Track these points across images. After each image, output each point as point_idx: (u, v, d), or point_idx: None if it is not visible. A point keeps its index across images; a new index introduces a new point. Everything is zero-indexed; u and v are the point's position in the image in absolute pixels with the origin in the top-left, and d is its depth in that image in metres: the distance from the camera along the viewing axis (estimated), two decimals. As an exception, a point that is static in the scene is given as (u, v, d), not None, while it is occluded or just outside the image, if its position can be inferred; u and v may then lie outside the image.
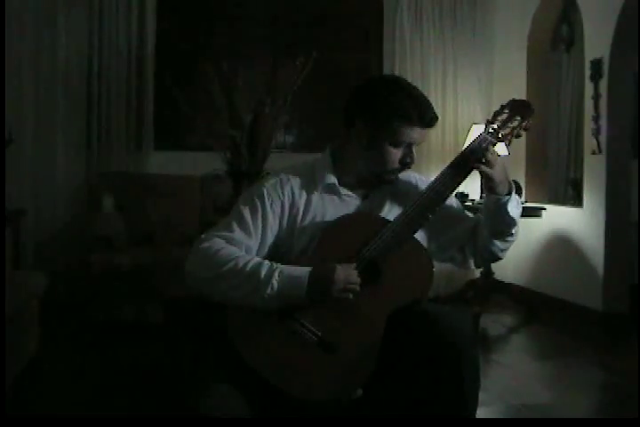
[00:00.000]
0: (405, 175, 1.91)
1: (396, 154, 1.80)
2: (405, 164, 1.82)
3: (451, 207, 1.93)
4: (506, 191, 1.83)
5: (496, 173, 1.79)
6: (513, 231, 1.89)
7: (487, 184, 1.82)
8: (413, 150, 1.82)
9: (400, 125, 1.77)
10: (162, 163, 4.91)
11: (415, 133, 1.78)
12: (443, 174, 1.79)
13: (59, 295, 4.32)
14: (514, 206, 1.84)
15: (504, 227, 1.87)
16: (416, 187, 1.90)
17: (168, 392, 2.92)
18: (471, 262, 1.97)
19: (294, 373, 1.67)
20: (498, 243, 1.89)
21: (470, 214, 2.00)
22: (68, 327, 4.11)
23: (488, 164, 1.78)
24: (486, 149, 1.78)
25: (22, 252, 4.39)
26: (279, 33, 5.24)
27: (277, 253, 1.81)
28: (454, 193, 1.84)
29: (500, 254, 1.94)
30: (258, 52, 5.10)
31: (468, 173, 1.80)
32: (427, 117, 1.78)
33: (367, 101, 1.81)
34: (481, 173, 1.79)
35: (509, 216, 1.83)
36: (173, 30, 5.11)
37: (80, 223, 4.68)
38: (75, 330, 4.07)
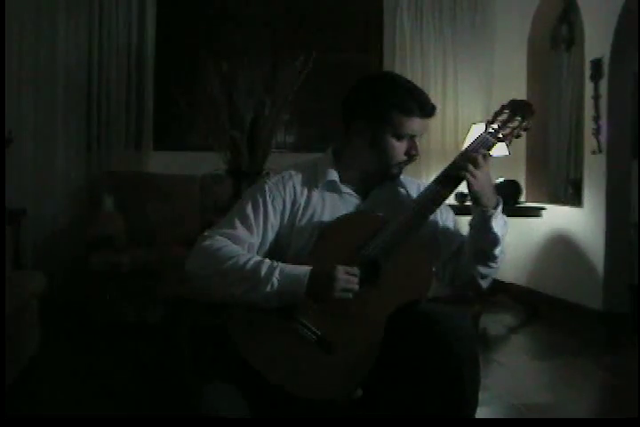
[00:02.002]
0: (408, 180, 1.92)
1: (401, 147, 1.81)
2: (411, 155, 1.83)
3: (444, 220, 1.90)
4: (492, 205, 1.79)
5: (481, 184, 1.76)
6: (496, 253, 1.81)
7: (472, 196, 1.78)
8: (417, 142, 1.82)
9: (401, 118, 1.78)
10: (162, 163, 4.92)
11: (416, 125, 1.80)
12: (440, 176, 1.79)
13: (59, 295, 4.32)
14: (499, 223, 1.79)
15: (487, 246, 1.80)
16: (417, 189, 1.89)
17: (168, 392, 2.92)
18: (447, 280, 1.89)
19: (294, 372, 1.67)
20: (479, 266, 1.82)
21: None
22: (68, 327, 4.11)
23: (473, 176, 1.75)
24: (472, 161, 1.75)
25: (22, 252, 4.39)
26: (279, 33, 5.24)
27: (277, 250, 1.81)
28: (454, 194, 1.83)
29: (479, 281, 1.85)
30: (258, 52, 5.10)
31: (460, 181, 1.78)
32: (427, 107, 1.80)
33: (365, 98, 1.82)
34: (467, 184, 1.76)
35: (493, 233, 1.77)
36: (173, 30, 5.11)
37: (80, 223, 4.68)
38: (75, 330, 4.08)
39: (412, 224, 1.75)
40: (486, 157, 1.78)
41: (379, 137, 1.80)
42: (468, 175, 1.75)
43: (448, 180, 1.78)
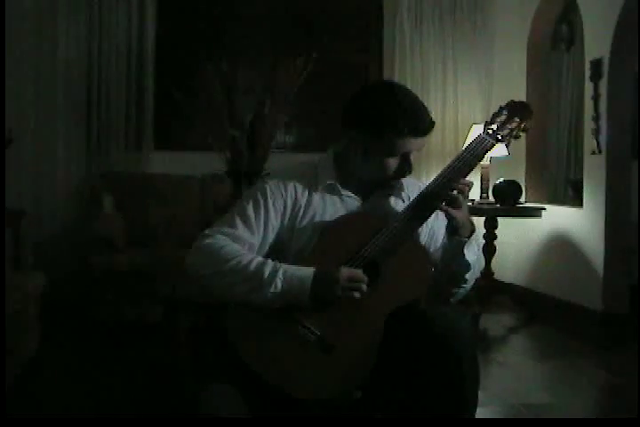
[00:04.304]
0: (409, 181, 1.91)
1: (393, 163, 1.79)
2: (403, 172, 1.81)
3: (437, 227, 1.90)
4: (467, 234, 1.80)
5: (460, 214, 1.77)
6: (467, 277, 1.85)
7: (450, 225, 1.79)
8: (410, 158, 1.79)
9: (393, 137, 1.74)
10: (162, 163, 4.92)
11: (409, 144, 1.76)
12: (434, 182, 1.79)
13: (59, 295, 4.32)
14: (472, 250, 1.81)
15: (459, 271, 1.83)
16: (418, 190, 1.89)
17: (168, 392, 2.92)
18: None
19: (294, 373, 1.67)
20: (450, 287, 1.87)
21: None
22: (68, 327, 4.12)
23: (455, 205, 1.75)
24: (451, 191, 1.75)
25: (22, 252, 4.39)
26: (279, 33, 5.24)
27: (277, 251, 1.81)
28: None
29: (450, 299, 1.90)
30: (258, 52, 5.10)
31: (431, 211, 1.77)
32: (420, 128, 1.75)
33: (361, 112, 1.79)
34: (446, 214, 1.77)
35: (465, 260, 1.80)
36: (173, 30, 5.12)
37: (80, 223, 4.68)
38: (75, 330, 4.08)
39: (410, 226, 1.75)
40: (469, 186, 1.77)
41: (371, 152, 1.78)
42: (451, 210, 1.75)
43: (429, 207, 1.76)
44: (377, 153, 1.78)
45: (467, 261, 1.80)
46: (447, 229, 1.82)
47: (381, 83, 2.03)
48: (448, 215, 1.77)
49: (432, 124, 1.78)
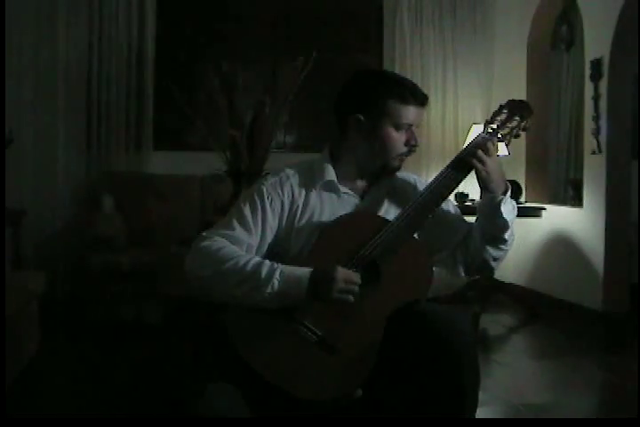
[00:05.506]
0: (405, 175, 1.93)
1: (400, 138, 1.82)
2: (411, 145, 1.84)
3: (446, 210, 1.92)
4: (501, 191, 1.81)
5: (490, 171, 1.79)
6: (506, 237, 1.84)
7: (481, 182, 1.82)
8: (414, 132, 1.83)
9: (397, 107, 1.79)
10: (162, 163, 4.92)
11: (412, 113, 1.81)
12: (441, 174, 1.80)
13: (59, 295, 4.33)
14: (508, 209, 1.81)
15: (496, 231, 1.83)
16: (415, 187, 1.90)
17: (168, 392, 2.92)
18: (460, 270, 1.92)
19: (294, 373, 1.67)
20: (490, 250, 1.85)
21: (467, 219, 1.97)
22: (68, 327, 4.11)
23: (482, 162, 1.79)
24: (482, 148, 1.79)
25: (22, 252, 4.39)
26: (279, 33, 5.24)
27: (276, 252, 1.81)
28: (454, 194, 1.84)
29: (492, 263, 1.89)
30: (258, 51, 5.10)
31: (466, 173, 1.80)
32: (420, 96, 1.82)
33: (361, 92, 1.83)
34: (476, 171, 1.79)
35: (502, 218, 1.80)
36: (173, 30, 5.12)
37: (80, 223, 4.68)
38: (75, 330, 4.08)
39: (410, 226, 1.75)
40: (495, 144, 1.81)
41: (377, 129, 1.81)
42: (476, 162, 1.78)
43: (459, 166, 1.80)
44: (384, 129, 1.80)
45: (504, 218, 1.80)
46: (479, 185, 1.83)
47: (367, 68, 2.08)
48: (478, 172, 1.79)
49: (427, 95, 1.85)
